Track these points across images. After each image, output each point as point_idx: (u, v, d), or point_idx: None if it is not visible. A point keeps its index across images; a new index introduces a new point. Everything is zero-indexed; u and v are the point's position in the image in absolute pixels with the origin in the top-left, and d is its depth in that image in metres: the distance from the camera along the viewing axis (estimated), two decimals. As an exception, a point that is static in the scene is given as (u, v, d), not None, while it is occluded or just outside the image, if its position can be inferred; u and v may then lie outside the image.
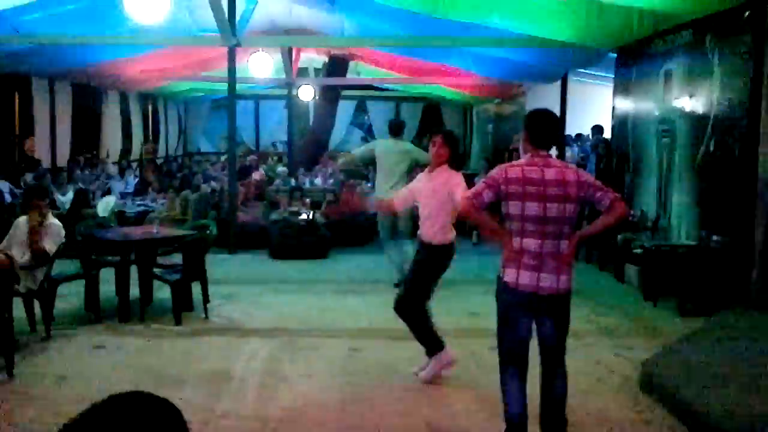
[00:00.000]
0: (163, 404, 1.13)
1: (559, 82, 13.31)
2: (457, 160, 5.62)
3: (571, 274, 4.04)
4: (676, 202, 8.50)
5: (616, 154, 10.35)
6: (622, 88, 10.17)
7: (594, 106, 13.77)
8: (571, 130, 13.88)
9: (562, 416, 4.14)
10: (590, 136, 12.88)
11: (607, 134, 11.42)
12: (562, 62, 11.60)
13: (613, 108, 10.44)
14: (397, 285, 7.42)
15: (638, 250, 8.43)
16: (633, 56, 9.68)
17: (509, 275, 3.99)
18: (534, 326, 4.09)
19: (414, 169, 8.37)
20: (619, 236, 9.04)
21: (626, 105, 10.02)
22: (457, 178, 5.44)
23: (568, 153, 13.27)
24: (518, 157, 4.36)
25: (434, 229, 5.46)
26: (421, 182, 5.69)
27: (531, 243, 3.92)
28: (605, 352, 6.28)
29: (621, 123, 10.19)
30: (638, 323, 7.28)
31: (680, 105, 8.39)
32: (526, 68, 12.56)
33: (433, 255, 5.52)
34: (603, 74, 12.28)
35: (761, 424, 4.28)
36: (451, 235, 5.54)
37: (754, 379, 5.02)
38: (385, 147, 8.84)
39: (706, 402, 4.67)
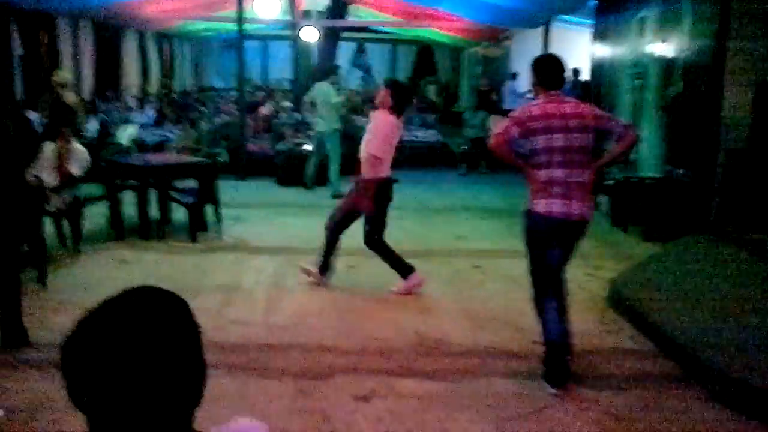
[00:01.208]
0: (171, 295, 1.14)
1: (542, 28, 13.10)
2: (400, 105, 5.57)
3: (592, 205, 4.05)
4: (645, 139, 8.47)
5: (593, 94, 10.26)
6: (600, 33, 10.02)
7: (575, 50, 13.54)
8: (552, 72, 13.72)
9: (568, 348, 4.09)
10: (570, 78, 12.75)
11: (586, 76, 11.30)
12: (546, 9, 11.39)
13: (592, 52, 10.31)
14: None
15: (609, 182, 8.45)
16: (611, 4, 9.51)
17: (540, 206, 3.93)
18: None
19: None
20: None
21: (604, 50, 9.89)
22: (379, 122, 5.52)
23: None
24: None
25: (376, 166, 5.51)
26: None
27: (559, 173, 3.89)
28: (577, 273, 6.32)
29: (598, 66, 10.09)
30: (608, 247, 7.35)
31: (652, 50, 8.29)
32: (513, 13, 12.33)
33: (378, 190, 5.58)
34: (584, 21, 12.07)
35: (710, 333, 4.38)
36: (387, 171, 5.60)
37: (705, 295, 5.12)
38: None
39: (666, 314, 4.78)
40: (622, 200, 8.09)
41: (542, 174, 3.93)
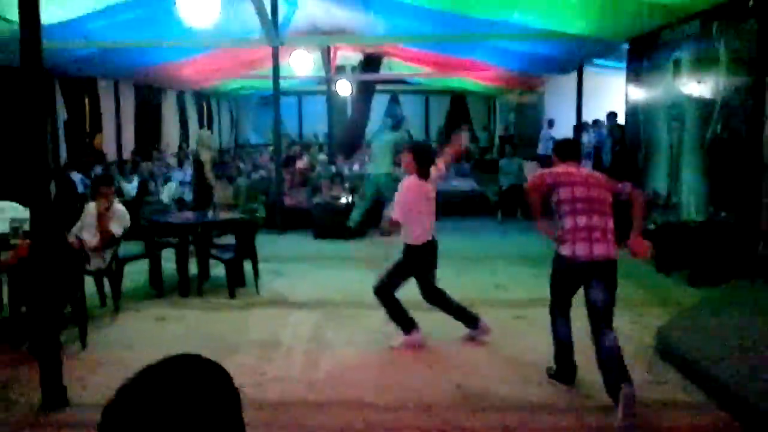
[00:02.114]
0: (211, 364, 1.11)
1: (575, 73, 13.10)
2: (425, 168, 5.50)
3: (616, 248, 4.42)
4: (686, 181, 8.31)
5: (629, 137, 10.15)
6: (634, 76, 9.95)
7: (608, 94, 13.51)
8: (587, 116, 13.65)
9: (624, 367, 4.22)
10: (605, 122, 12.66)
11: (621, 120, 11.21)
12: (578, 54, 11.41)
13: (626, 95, 10.23)
14: None
15: (651, 226, 8.27)
16: (644, 46, 9.45)
17: (566, 250, 4.44)
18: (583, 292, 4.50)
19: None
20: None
21: (638, 92, 9.80)
22: (402, 187, 5.47)
23: (585, 138, 13.07)
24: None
25: (406, 231, 5.51)
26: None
27: (583, 219, 4.37)
28: (621, 321, 6.13)
29: (634, 109, 9.98)
30: (652, 293, 7.15)
31: (689, 91, 8.18)
32: (545, 60, 12.37)
33: (407, 254, 5.56)
34: (616, 65, 12.03)
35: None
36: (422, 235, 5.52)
37: (758, 342, 4.90)
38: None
39: (719, 364, 4.57)
40: (664, 245, 7.88)
41: (567, 221, 4.43)
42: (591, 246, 4.33)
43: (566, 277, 4.57)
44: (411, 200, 5.44)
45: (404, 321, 5.59)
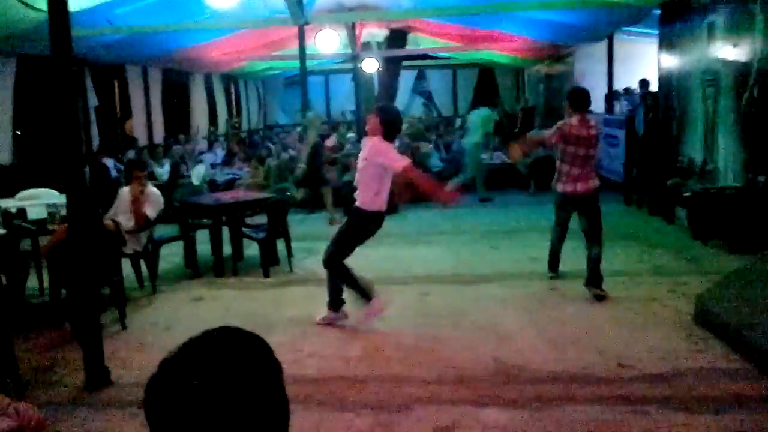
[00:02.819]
0: (250, 335, 1.12)
1: (605, 41, 12.85)
2: (391, 133, 5.33)
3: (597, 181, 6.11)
4: (722, 147, 8.15)
5: (662, 105, 9.95)
6: (666, 42, 9.73)
7: (640, 61, 13.21)
8: (618, 85, 13.40)
9: (598, 272, 6.00)
10: (638, 90, 12.41)
11: (654, 87, 10.98)
12: (608, 21, 11.17)
13: (659, 62, 10.01)
14: None
15: (687, 194, 8.14)
16: (676, 11, 9.22)
17: (560, 187, 6.15)
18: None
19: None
20: (668, 181, 8.75)
21: (671, 58, 9.59)
22: (382, 147, 5.23)
23: (617, 106, 12.84)
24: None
25: (364, 195, 5.30)
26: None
27: (575, 168, 5.98)
28: (659, 289, 6.11)
29: (667, 76, 9.78)
30: (689, 261, 7.06)
31: (724, 55, 7.98)
32: (574, 29, 12.14)
33: (360, 220, 5.37)
34: (648, 31, 11.77)
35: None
36: (380, 202, 5.32)
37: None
38: None
39: (759, 331, 4.50)
40: (701, 212, 7.76)
41: (564, 167, 6.05)
42: (575, 185, 6.00)
43: (562, 204, 6.31)
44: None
45: (362, 290, 5.40)
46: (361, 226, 5.40)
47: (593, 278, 5.99)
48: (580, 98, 6.01)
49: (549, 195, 10.28)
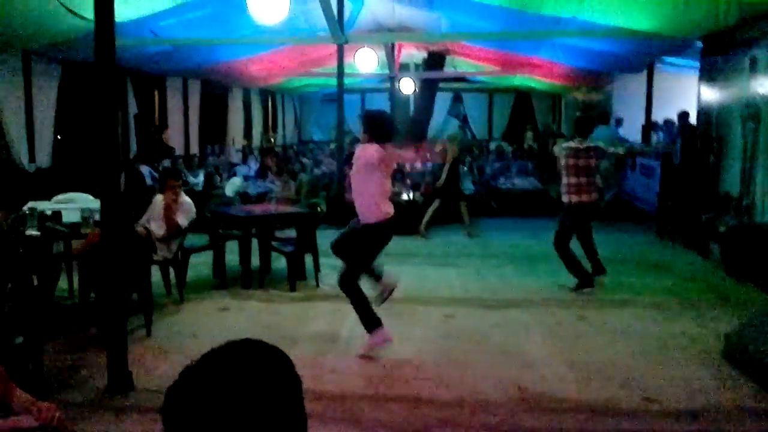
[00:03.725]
0: (272, 349, 1.12)
1: (645, 72, 12.76)
2: (379, 136, 5.15)
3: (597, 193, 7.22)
4: (759, 183, 8.00)
5: (701, 138, 9.82)
6: (707, 75, 9.61)
7: (680, 94, 13.06)
8: (657, 116, 13.28)
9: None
10: (676, 122, 12.28)
11: (693, 120, 10.85)
12: (649, 52, 11.09)
13: (699, 94, 9.90)
14: None
15: (722, 228, 8.00)
16: (719, 44, 9.11)
17: (565, 198, 7.09)
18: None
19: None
20: (703, 215, 8.61)
21: (712, 91, 9.47)
22: (371, 150, 5.10)
23: (654, 138, 12.71)
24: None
25: (365, 209, 5.18)
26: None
27: (574, 179, 6.97)
28: (689, 324, 6.00)
29: (706, 109, 9.65)
30: (721, 297, 6.91)
31: (765, 90, 7.86)
32: (613, 58, 12.08)
33: (367, 236, 5.23)
34: (689, 63, 11.66)
35: None
36: (384, 210, 5.16)
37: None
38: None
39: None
40: (736, 248, 7.61)
41: (565, 179, 7.05)
42: (580, 195, 6.97)
43: (567, 214, 7.13)
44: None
45: (369, 317, 5.21)
46: (370, 242, 5.25)
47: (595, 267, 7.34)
48: (582, 125, 7.27)
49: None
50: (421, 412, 4.22)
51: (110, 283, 4.51)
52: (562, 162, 7.10)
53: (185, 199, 6.87)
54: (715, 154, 9.23)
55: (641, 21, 9.09)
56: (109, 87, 4.37)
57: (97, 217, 5.82)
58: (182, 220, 6.65)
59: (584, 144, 7.03)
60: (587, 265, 7.31)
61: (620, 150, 8.63)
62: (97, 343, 5.22)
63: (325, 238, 8.56)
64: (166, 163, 12.35)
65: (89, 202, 6.93)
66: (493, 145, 19.50)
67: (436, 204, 10.56)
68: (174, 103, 14.10)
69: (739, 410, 4.22)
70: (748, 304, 6.52)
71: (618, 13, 9.07)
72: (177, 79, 14.08)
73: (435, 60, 16.81)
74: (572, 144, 7.12)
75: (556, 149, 7.58)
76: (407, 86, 16.89)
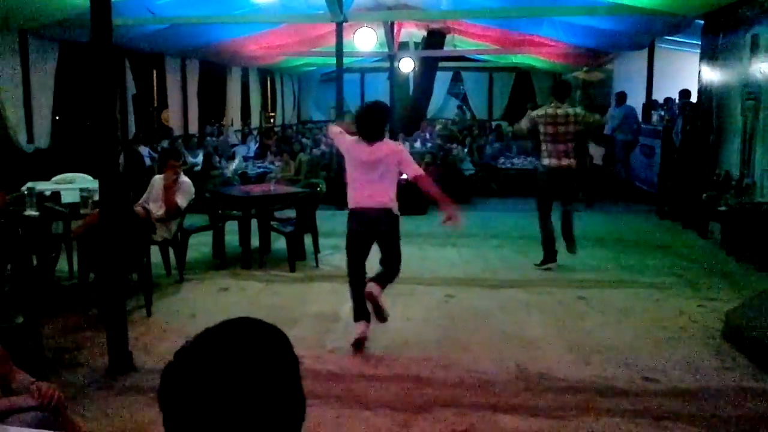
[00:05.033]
0: (269, 327, 1.10)
1: (646, 50, 12.66)
2: (362, 129, 5.06)
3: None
4: (759, 162, 7.97)
5: (701, 117, 9.77)
6: (708, 53, 9.54)
7: (681, 72, 12.97)
8: (658, 95, 13.20)
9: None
10: (677, 101, 12.21)
11: (694, 98, 10.79)
12: (649, 30, 10.99)
13: (700, 72, 9.83)
14: None
15: (722, 208, 7.98)
16: (720, 22, 9.04)
17: (544, 162, 7.15)
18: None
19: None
20: (703, 195, 8.59)
21: (712, 69, 9.41)
22: (392, 145, 5.16)
23: (655, 116, 12.65)
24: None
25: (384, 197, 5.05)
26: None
27: (552, 145, 7.07)
28: (689, 303, 6.00)
29: (707, 87, 9.59)
30: (720, 277, 6.91)
31: (766, 68, 7.81)
32: (614, 36, 11.98)
33: (397, 223, 5.23)
34: (690, 41, 11.57)
35: None
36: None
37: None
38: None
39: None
40: (735, 228, 7.61)
41: (544, 145, 7.12)
42: (559, 160, 7.04)
43: (547, 179, 7.19)
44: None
45: (358, 307, 5.10)
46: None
47: (567, 235, 7.40)
48: (560, 90, 7.41)
49: (578, 203, 10.09)
50: (421, 392, 4.23)
51: (109, 263, 4.50)
52: (540, 129, 7.10)
53: (184, 179, 6.85)
54: (716, 134, 9.19)
55: (643, -2, 9.01)
56: (106, 67, 4.33)
57: (96, 197, 5.80)
58: (181, 201, 6.63)
59: (561, 109, 7.03)
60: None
61: (597, 117, 8.21)
62: (97, 324, 5.23)
63: (325, 218, 8.59)
64: (165, 143, 12.31)
65: (88, 182, 6.92)
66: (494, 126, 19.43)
67: None
68: (172, 83, 14.02)
69: (739, 390, 4.23)
70: (748, 284, 6.53)
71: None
72: (175, 59, 13.99)
73: (435, 38, 16.70)
74: (549, 110, 7.10)
75: (524, 121, 7.45)
76: (407, 65, 16.79)
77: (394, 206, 5.05)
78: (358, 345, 4.94)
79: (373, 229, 5.03)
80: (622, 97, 12.62)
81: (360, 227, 5.05)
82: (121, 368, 4.45)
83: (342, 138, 5.25)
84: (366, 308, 5.00)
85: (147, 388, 4.17)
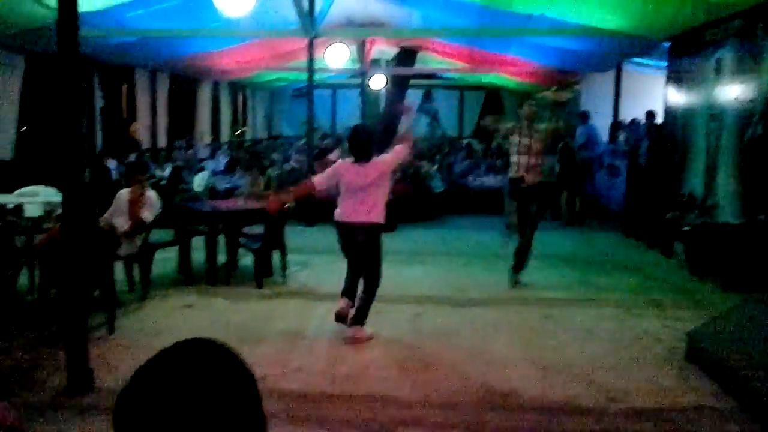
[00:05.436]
0: (223, 348, 1.08)
1: (613, 71, 12.88)
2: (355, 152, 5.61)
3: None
4: (722, 183, 8.12)
5: (666, 138, 9.94)
6: (674, 75, 9.73)
7: (647, 93, 13.24)
8: (624, 115, 13.43)
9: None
10: (644, 121, 12.43)
11: (660, 120, 10.99)
12: (617, 51, 11.20)
13: (666, 94, 10.01)
14: None
15: (686, 228, 8.10)
16: (686, 45, 9.23)
17: (511, 173, 7.23)
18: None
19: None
20: (668, 215, 8.72)
21: (678, 91, 9.58)
22: (381, 164, 5.58)
23: (621, 136, 12.85)
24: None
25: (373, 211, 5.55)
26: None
27: (517, 157, 7.12)
28: (653, 323, 6.06)
29: (672, 108, 9.77)
30: (684, 296, 7.00)
31: (730, 90, 7.98)
32: (582, 57, 12.17)
33: (379, 233, 5.66)
34: (656, 63, 11.80)
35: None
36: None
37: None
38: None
39: (752, 373, 4.44)
40: (699, 247, 7.72)
41: (514, 157, 7.17)
42: (521, 172, 7.03)
43: (513, 192, 7.28)
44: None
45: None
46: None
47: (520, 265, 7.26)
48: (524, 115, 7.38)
49: (546, 222, 10.17)
50: (386, 412, 4.20)
51: (71, 279, 4.42)
52: (512, 140, 7.18)
53: (150, 193, 6.78)
54: (680, 155, 9.35)
55: (611, 20, 9.18)
56: (72, 78, 4.26)
57: (59, 211, 5.70)
58: (147, 215, 6.55)
59: (529, 123, 7.11)
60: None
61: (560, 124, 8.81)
62: (57, 341, 5.11)
63: (294, 234, 8.54)
64: (133, 157, 12.18)
65: (53, 195, 6.80)
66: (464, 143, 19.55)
67: None
68: (142, 96, 13.91)
69: (701, 410, 4.27)
70: (711, 303, 6.62)
71: (588, 11, 9.15)
72: (145, 72, 13.90)
73: (406, 56, 16.79)
74: (520, 124, 7.22)
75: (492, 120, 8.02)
76: (378, 82, 16.86)
77: (377, 218, 5.49)
78: (339, 317, 5.49)
79: (351, 240, 5.56)
80: (584, 115, 12.83)
81: (342, 238, 5.64)
82: (81, 388, 4.35)
83: (330, 174, 5.67)
84: (354, 290, 5.61)
85: (107, 408, 4.07)
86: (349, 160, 5.62)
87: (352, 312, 5.55)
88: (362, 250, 5.55)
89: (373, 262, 5.58)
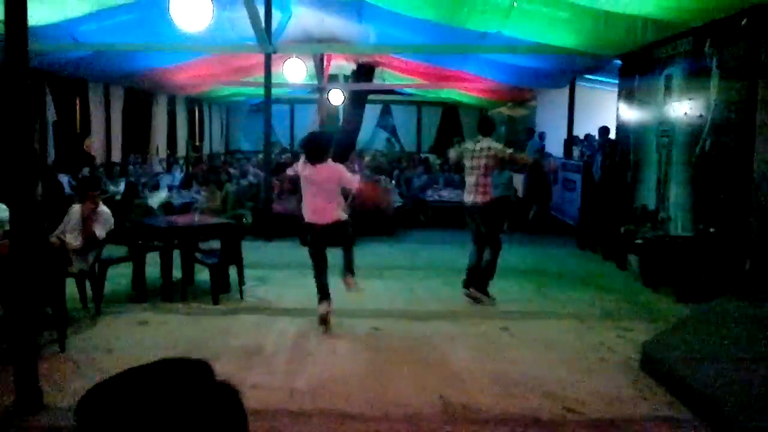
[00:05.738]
0: (194, 362, 1.04)
1: (567, 88, 13.11)
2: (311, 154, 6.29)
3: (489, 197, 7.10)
4: (674, 197, 8.31)
5: (619, 153, 10.15)
6: (625, 92, 9.95)
7: (601, 109, 13.52)
8: (578, 131, 13.66)
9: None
10: (597, 137, 12.67)
11: (613, 135, 11.22)
12: (570, 68, 11.41)
13: (618, 110, 10.24)
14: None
15: (639, 241, 8.26)
16: (636, 62, 9.46)
17: (462, 197, 7.33)
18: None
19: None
20: (622, 228, 8.88)
21: (629, 108, 9.81)
22: (339, 168, 6.37)
23: (576, 152, 13.07)
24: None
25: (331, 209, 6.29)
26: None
27: (471, 178, 7.11)
28: (608, 334, 6.14)
29: (624, 124, 9.99)
30: (639, 308, 7.12)
31: (679, 107, 8.19)
32: (537, 74, 12.37)
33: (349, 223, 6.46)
34: (609, 80, 12.06)
35: (755, 400, 4.13)
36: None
37: (745, 359, 4.86)
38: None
39: (705, 381, 4.52)
40: (652, 260, 7.87)
41: (467, 179, 7.22)
42: (473, 196, 7.04)
43: (465, 215, 7.33)
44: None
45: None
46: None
47: (486, 281, 7.30)
48: (484, 125, 7.41)
49: (505, 236, 10.30)
50: (345, 427, 4.17)
51: (20, 296, 4.29)
52: (466, 163, 7.19)
53: (103, 209, 6.64)
54: (633, 169, 9.54)
55: (563, 38, 9.35)
56: (21, 91, 4.17)
57: (8, 227, 5.54)
58: (100, 231, 6.41)
59: (480, 143, 7.08)
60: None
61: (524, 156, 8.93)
62: (6, 360, 4.95)
63: (252, 249, 8.46)
64: (86, 171, 11.94)
65: (2, 211, 6.60)
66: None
67: None
68: (96, 110, 13.68)
69: (654, 419, 4.33)
70: (665, 314, 6.74)
71: (541, 29, 9.31)
72: (99, 85, 13.68)
73: (364, 72, 16.83)
74: (469, 144, 7.31)
75: (452, 151, 8.14)
76: (336, 97, 16.88)
77: (341, 215, 6.27)
78: (322, 321, 6.19)
79: (322, 236, 6.30)
80: (531, 131, 13.29)
81: (312, 236, 6.37)
82: (30, 407, 4.22)
83: (293, 170, 6.76)
84: (327, 290, 6.26)
85: (57, 427, 3.96)
86: (304, 159, 6.35)
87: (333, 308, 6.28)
88: (336, 237, 6.32)
89: (348, 240, 6.42)
